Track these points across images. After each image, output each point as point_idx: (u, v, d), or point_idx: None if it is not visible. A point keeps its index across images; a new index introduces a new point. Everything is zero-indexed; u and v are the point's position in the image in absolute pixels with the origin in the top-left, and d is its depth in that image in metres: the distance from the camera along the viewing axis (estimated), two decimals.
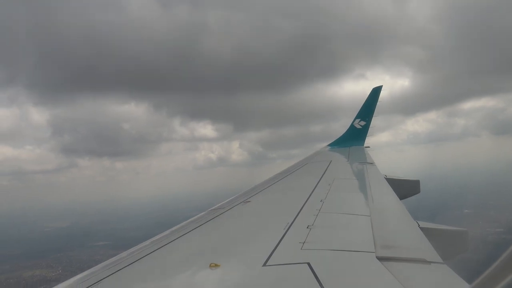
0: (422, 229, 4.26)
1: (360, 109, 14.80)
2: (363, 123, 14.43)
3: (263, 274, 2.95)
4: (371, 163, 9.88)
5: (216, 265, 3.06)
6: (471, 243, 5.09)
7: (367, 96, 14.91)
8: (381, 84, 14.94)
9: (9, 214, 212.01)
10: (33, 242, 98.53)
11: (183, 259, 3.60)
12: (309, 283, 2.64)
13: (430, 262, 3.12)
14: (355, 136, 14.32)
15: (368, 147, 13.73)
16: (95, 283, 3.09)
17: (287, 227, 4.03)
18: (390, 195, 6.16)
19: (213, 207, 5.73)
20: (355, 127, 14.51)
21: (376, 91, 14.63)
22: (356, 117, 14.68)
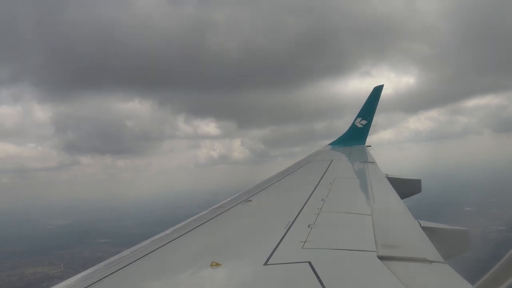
0: (423, 228, 4.25)
1: (362, 108, 14.76)
2: (364, 122, 14.39)
3: (264, 273, 2.95)
4: (373, 162, 9.87)
5: (217, 264, 3.06)
6: (473, 241, 5.09)
7: (369, 94, 14.86)
8: (383, 83, 14.88)
9: (11, 211, 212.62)
10: (35, 240, 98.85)
11: (184, 258, 3.60)
12: (310, 282, 2.64)
13: (431, 262, 3.12)
14: (356, 135, 14.29)
15: (370, 146, 13.70)
16: (97, 281, 3.09)
17: (288, 226, 4.03)
18: (392, 194, 6.15)
19: (214, 206, 5.72)
20: (357, 126, 14.47)
21: (378, 90, 14.58)
22: (358, 116, 14.64)
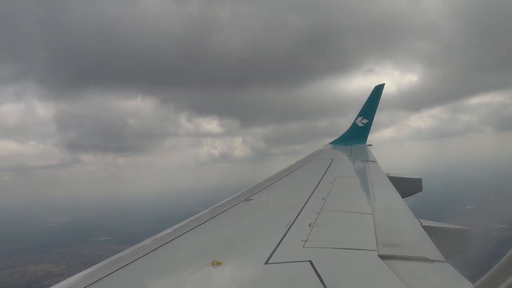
0: (424, 227, 4.25)
1: (363, 107, 14.73)
2: (365, 121, 14.37)
3: (265, 272, 2.95)
4: (373, 161, 9.86)
5: (218, 263, 3.06)
6: (474, 240, 5.09)
7: (370, 93, 14.82)
8: (383, 82, 14.84)
9: (12, 209, 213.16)
10: (36, 237, 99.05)
11: (185, 256, 3.61)
12: (311, 281, 2.64)
13: (432, 261, 3.12)
14: (357, 134, 14.27)
15: (370, 145, 13.69)
16: (98, 280, 3.10)
17: (289, 225, 4.03)
18: (392, 194, 6.15)
19: (216, 205, 5.72)
20: (357, 125, 14.45)
21: (379, 89, 14.55)
22: (359, 115, 14.62)
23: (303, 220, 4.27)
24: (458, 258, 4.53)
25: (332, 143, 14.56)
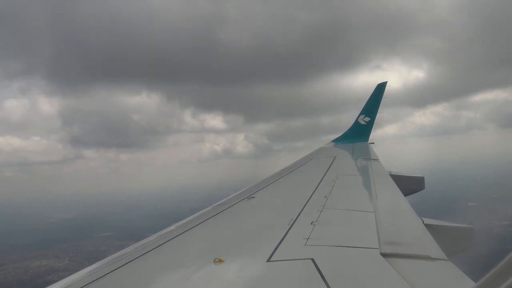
0: (426, 225, 4.24)
1: (365, 105, 14.70)
2: (367, 119, 14.34)
3: (267, 269, 2.96)
4: (376, 159, 9.85)
5: (221, 260, 3.07)
6: (476, 239, 5.08)
7: (373, 91, 14.78)
8: (386, 80, 14.79)
9: (14, 205, 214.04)
10: (39, 233, 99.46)
11: (188, 254, 3.62)
12: (313, 279, 2.64)
13: (434, 259, 3.12)
14: (359, 132, 14.25)
15: (373, 143, 13.67)
16: (101, 277, 3.11)
17: (291, 223, 4.03)
18: (395, 192, 6.13)
19: (218, 203, 5.73)
20: (360, 123, 14.43)
21: (381, 87, 14.50)
22: (361, 113, 14.59)
23: (305, 218, 4.27)
24: (460, 256, 4.52)
25: (334, 141, 14.54)
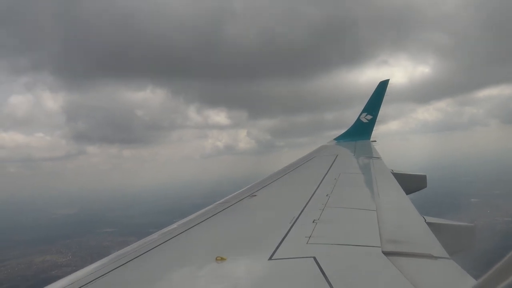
0: (428, 224, 4.24)
1: (367, 103, 14.69)
2: (369, 117, 14.34)
3: (269, 268, 2.97)
4: (378, 157, 9.85)
5: (222, 259, 3.08)
6: (479, 238, 5.07)
7: (375, 89, 14.76)
8: (388, 78, 14.79)
9: (18, 200, 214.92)
10: (41, 229, 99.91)
11: (189, 252, 3.62)
12: (315, 277, 2.65)
13: (436, 258, 3.12)
14: (361, 130, 14.26)
15: (375, 141, 13.67)
16: (104, 274, 3.12)
17: (293, 221, 4.04)
18: (397, 190, 6.14)
19: (220, 201, 5.73)
20: (362, 121, 14.44)
21: (383, 85, 14.49)
22: (363, 111, 14.59)
23: (307, 216, 4.27)
24: (463, 254, 4.52)
25: (336, 139, 14.56)
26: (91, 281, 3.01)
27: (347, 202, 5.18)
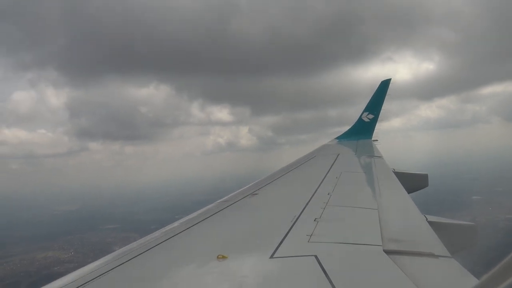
0: (430, 223, 4.24)
1: (369, 102, 14.69)
2: (371, 116, 14.33)
3: (270, 266, 2.97)
4: (379, 156, 9.84)
5: (224, 257, 3.08)
6: (480, 236, 5.07)
7: (377, 88, 14.74)
8: (390, 77, 14.77)
9: (20, 197, 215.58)
10: (44, 225, 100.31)
11: (191, 250, 3.63)
12: (316, 275, 2.65)
13: (438, 256, 3.12)
14: (363, 129, 14.26)
15: (376, 140, 13.66)
16: (104, 272, 3.13)
17: (294, 220, 4.04)
18: (398, 189, 6.13)
19: (221, 199, 5.74)
20: (363, 120, 14.43)
21: (385, 84, 14.47)
22: (364, 110, 14.58)
23: (308, 215, 4.27)
24: (464, 253, 4.52)
25: (337, 138, 14.56)
26: (95, 278, 3.02)
27: (349, 201, 5.18)
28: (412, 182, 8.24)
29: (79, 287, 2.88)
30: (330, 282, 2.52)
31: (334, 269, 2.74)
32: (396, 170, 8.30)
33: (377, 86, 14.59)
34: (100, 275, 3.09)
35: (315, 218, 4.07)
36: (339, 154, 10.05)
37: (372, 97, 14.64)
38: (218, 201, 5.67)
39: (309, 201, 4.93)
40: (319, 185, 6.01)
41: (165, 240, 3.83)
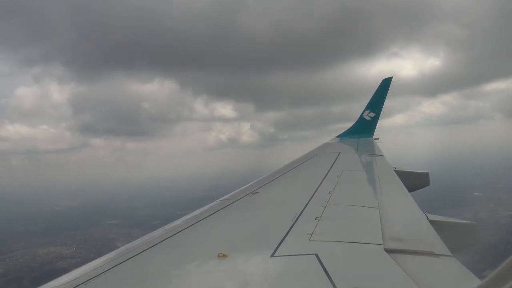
0: (431, 221, 4.23)
1: (370, 100, 14.63)
2: (372, 114, 14.28)
3: (271, 264, 2.98)
4: (380, 155, 9.82)
5: (225, 255, 3.09)
6: (480, 234, 5.06)
7: (378, 86, 14.68)
8: (391, 76, 14.68)
9: (22, 192, 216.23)
10: (46, 220, 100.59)
11: (192, 248, 3.63)
12: (317, 274, 2.66)
13: (438, 255, 3.12)
14: (364, 127, 14.21)
15: (377, 138, 13.62)
16: (105, 271, 3.14)
17: (295, 219, 4.04)
18: (399, 188, 6.12)
19: (222, 198, 5.73)
20: (365, 118, 14.38)
21: (386, 83, 14.40)
22: (366, 109, 14.53)
23: (309, 213, 4.27)
24: (465, 252, 4.52)
25: (339, 136, 14.53)
26: (97, 276, 3.03)
27: (350, 200, 5.16)
28: (413, 181, 8.22)
29: (83, 284, 2.90)
30: (331, 281, 2.53)
31: (335, 268, 2.74)
32: (397, 169, 8.29)
33: (379, 84, 14.52)
34: (103, 271, 3.10)
35: (316, 217, 4.07)
36: (340, 152, 10.03)
37: (373, 95, 14.58)
38: (220, 199, 5.67)
39: (310, 199, 4.93)
40: (320, 183, 6.00)
41: (166, 238, 3.84)
